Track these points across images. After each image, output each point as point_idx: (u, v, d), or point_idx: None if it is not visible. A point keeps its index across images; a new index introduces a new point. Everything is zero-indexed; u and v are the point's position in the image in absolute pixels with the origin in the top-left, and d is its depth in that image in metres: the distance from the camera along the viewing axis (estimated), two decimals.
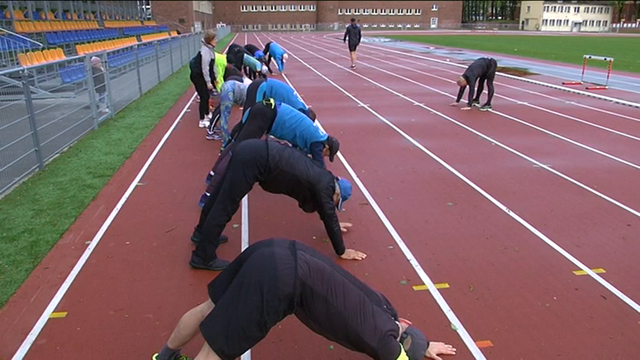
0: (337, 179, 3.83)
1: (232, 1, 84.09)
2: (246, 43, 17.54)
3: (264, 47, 16.93)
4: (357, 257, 3.81)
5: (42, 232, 4.28)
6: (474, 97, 10.54)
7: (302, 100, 5.96)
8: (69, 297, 3.28)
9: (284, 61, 16.83)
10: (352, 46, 18.17)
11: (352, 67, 18.91)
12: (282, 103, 4.97)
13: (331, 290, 2.17)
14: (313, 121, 5.70)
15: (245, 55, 12.12)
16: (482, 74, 10.08)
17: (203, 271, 3.60)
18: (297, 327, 2.97)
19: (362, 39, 22.00)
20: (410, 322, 2.47)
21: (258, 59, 13.62)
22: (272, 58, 17.13)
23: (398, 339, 2.37)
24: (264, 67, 12.37)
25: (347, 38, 18.04)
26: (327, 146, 4.89)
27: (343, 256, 3.81)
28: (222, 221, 3.56)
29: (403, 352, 2.28)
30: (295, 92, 6.02)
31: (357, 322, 2.20)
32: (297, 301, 2.12)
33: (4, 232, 4.28)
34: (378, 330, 2.23)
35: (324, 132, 5.04)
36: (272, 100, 4.88)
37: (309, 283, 2.12)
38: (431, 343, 2.70)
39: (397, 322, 2.44)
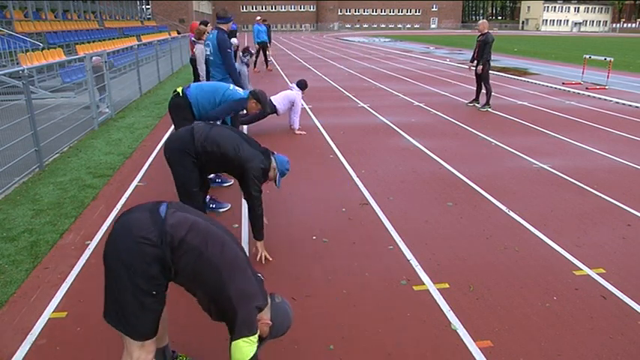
0: (273, 154, 3.71)
1: (232, 1, 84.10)
2: (245, 44, 17.54)
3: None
4: (264, 255, 3.74)
5: (42, 232, 4.27)
6: (475, 97, 10.56)
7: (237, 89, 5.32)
8: (69, 297, 3.28)
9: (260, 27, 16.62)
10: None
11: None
12: (191, 84, 4.78)
13: (206, 242, 2.04)
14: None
15: None
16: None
17: None
18: (297, 327, 2.97)
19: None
20: (270, 323, 2.20)
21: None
22: (262, 51, 17.03)
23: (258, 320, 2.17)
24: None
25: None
26: (254, 101, 4.62)
27: (258, 244, 3.76)
28: None
29: (256, 337, 2.10)
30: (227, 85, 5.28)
31: (230, 277, 2.05)
32: (170, 258, 1.99)
33: (4, 232, 4.28)
34: (247, 296, 2.07)
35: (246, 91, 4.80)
36: (179, 89, 4.74)
37: (180, 236, 2.00)
38: None
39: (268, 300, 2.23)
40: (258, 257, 3.71)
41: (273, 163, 3.69)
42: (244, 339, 2.03)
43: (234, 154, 3.50)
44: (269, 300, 2.21)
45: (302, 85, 7.90)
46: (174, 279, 2.09)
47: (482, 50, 9.86)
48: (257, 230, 3.71)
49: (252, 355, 2.05)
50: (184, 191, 3.71)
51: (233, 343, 2.05)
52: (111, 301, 2.03)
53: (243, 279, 2.08)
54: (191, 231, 2.03)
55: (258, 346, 2.14)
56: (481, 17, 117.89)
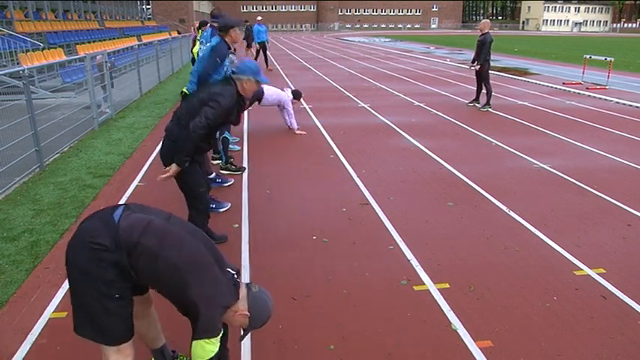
0: (233, 72, 3.57)
1: (233, 1, 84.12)
2: (245, 44, 17.54)
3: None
4: (167, 174, 3.45)
5: (42, 232, 4.28)
6: (475, 97, 10.56)
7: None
8: (69, 297, 3.28)
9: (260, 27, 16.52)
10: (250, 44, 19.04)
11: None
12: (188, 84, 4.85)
13: (162, 243, 1.99)
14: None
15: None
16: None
17: None
18: (297, 327, 2.97)
19: (364, 39, 22.24)
20: (247, 314, 2.13)
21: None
22: (262, 50, 16.94)
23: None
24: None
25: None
26: (229, 33, 4.53)
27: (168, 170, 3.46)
28: (203, 222, 3.73)
29: (218, 338, 2.06)
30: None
31: (192, 278, 1.99)
32: (127, 262, 1.95)
33: (4, 232, 4.28)
34: (211, 297, 2.00)
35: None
36: (184, 89, 4.82)
37: (134, 239, 1.96)
38: None
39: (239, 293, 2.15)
40: (160, 177, 3.45)
41: (241, 77, 3.51)
42: (205, 340, 2.01)
43: (198, 107, 3.42)
44: (245, 290, 2.16)
45: (297, 94, 7.87)
46: (137, 281, 2.06)
47: (481, 50, 9.88)
48: (180, 151, 3.40)
49: (212, 355, 2.03)
50: (192, 194, 3.71)
51: (193, 342, 2.02)
52: (78, 312, 2.03)
53: (206, 278, 2.02)
54: (145, 232, 1.99)
55: (242, 336, 2.14)
56: (481, 17, 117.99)
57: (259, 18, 17.22)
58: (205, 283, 2.01)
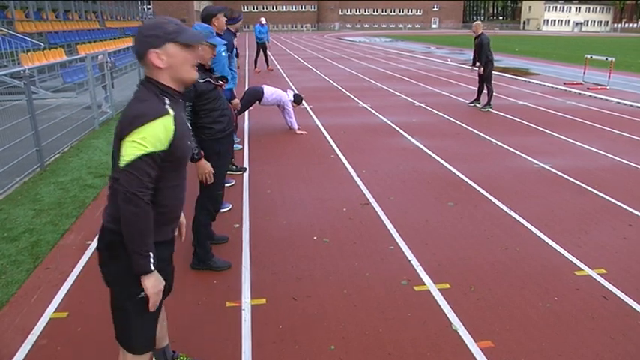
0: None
1: (233, 1, 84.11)
2: (246, 44, 17.48)
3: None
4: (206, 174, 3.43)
5: (43, 232, 4.28)
6: (476, 97, 10.56)
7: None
8: (70, 297, 3.29)
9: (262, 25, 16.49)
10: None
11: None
12: None
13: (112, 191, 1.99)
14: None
15: None
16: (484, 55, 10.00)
17: (204, 271, 3.60)
18: (297, 327, 2.97)
19: (367, 39, 22.15)
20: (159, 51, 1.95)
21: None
22: (262, 50, 16.91)
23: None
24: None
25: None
26: None
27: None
28: (208, 222, 3.72)
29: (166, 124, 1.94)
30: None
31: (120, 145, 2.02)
32: (118, 250, 1.93)
33: (5, 232, 4.29)
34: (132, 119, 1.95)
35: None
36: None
37: (114, 216, 1.93)
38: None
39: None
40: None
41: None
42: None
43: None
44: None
45: (297, 99, 7.84)
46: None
47: (480, 51, 9.89)
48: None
49: (138, 154, 1.91)
50: (209, 194, 3.62)
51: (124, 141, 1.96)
52: (115, 323, 2.07)
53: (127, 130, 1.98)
54: (110, 207, 1.97)
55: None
56: (482, 17, 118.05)
57: (262, 19, 17.12)
58: (123, 130, 2.00)
